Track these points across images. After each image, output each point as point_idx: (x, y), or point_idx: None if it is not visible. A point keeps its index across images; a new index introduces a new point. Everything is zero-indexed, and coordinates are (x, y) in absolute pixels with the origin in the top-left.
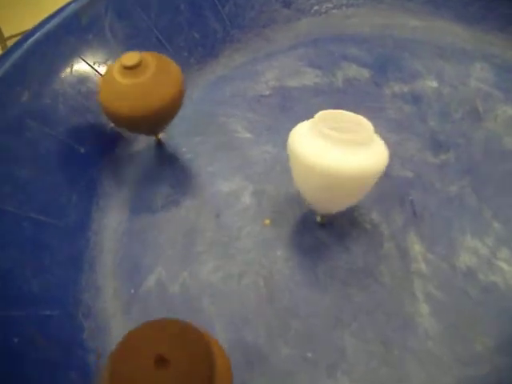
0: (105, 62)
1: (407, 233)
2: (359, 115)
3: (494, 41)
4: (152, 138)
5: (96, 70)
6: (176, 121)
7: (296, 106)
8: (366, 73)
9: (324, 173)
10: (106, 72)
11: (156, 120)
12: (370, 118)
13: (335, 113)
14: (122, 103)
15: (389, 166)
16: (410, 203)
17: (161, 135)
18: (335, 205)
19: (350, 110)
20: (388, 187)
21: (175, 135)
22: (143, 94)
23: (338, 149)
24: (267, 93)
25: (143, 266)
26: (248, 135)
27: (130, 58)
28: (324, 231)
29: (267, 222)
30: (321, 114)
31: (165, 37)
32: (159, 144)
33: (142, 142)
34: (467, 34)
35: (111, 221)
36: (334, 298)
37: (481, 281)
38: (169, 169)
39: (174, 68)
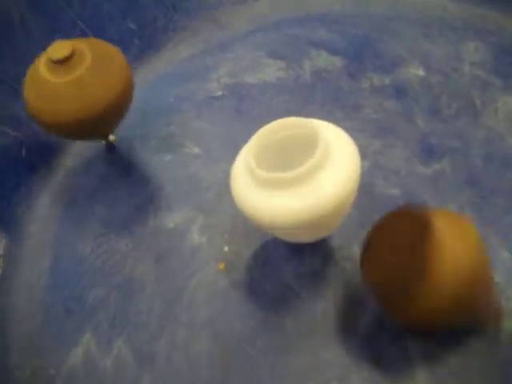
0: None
1: None
2: (316, 121)
3: (489, 14)
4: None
5: None
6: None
7: (255, 109)
8: (338, 62)
9: (264, 226)
10: (32, 68)
11: (101, 124)
12: (344, 120)
13: (281, 124)
14: (53, 107)
15: (370, 183)
16: None
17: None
18: (299, 239)
19: (321, 110)
20: (371, 210)
21: (103, 155)
22: (80, 93)
23: (275, 194)
24: (219, 93)
25: (66, 335)
26: (196, 150)
27: (59, 48)
28: (292, 274)
29: (222, 265)
30: (260, 133)
31: (92, 29)
32: (110, 148)
33: (75, 156)
34: (456, 7)
35: (26, 272)
36: (309, 364)
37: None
38: (100, 196)
39: (116, 54)
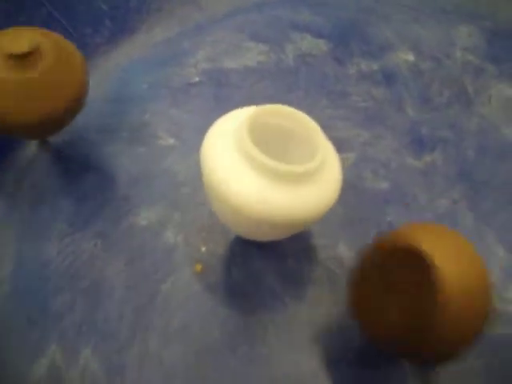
0: None
1: None
2: (306, 116)
3: None
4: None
5: None
6: (77, 123)
7: (235, 96)
8: (323, 45)
9: (250, 217)
10: None
11: (51, 126)
12: (330, 108)
13: (271, 110)
14: (4, 104)
15: (357, 176)
16: (388, 227)
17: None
18: (271, 237)
19: (305, 97)
20: (358, 206)
21: (75, 143)
22: (38, 94)
23: (271, 183)
24: (197, 79)
25: (29, 346)
26: (172, 141)
27: (19, 42)
28: (276, 277)
29: (198, 267)
30: (251, 114)
31: (59, 10)
32: (46, 151)
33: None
34: None
35: None
36: (292, 377)
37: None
38: (66, 193)
39: (76, 56)
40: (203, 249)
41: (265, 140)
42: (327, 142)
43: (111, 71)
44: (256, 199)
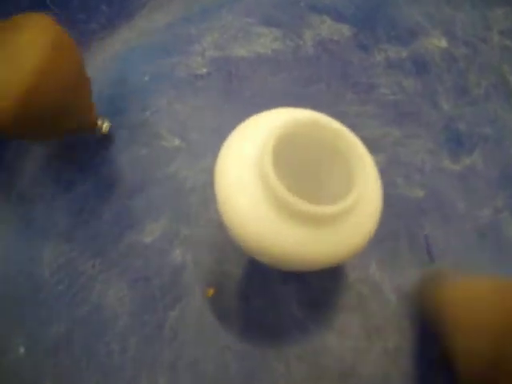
0: None
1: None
2: (345, 129)
3: None
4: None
5: None
6: None
7: (247, 89)
8: (346, 30)
9: (271, 257)
10: None
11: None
12: (356, 103)
13: (303, 123)
14: None
15: (389, 182)
16: (424, 242)
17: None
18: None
19: (327, 91)
20: (391, 218)
21: (68, 146)
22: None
23: (297, 226)
24: (204, 70)
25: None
26: (177, 142)
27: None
28: (299, 303)
29: (211, 291)
30: (276, 134)
31: None
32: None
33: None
34: None
35: None
36: None
37: None
38: (59, 204)
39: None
40: (215, 269)
41: (291, 152)
42: (367, 162)
43: (108, 61)
44: (279, 245)
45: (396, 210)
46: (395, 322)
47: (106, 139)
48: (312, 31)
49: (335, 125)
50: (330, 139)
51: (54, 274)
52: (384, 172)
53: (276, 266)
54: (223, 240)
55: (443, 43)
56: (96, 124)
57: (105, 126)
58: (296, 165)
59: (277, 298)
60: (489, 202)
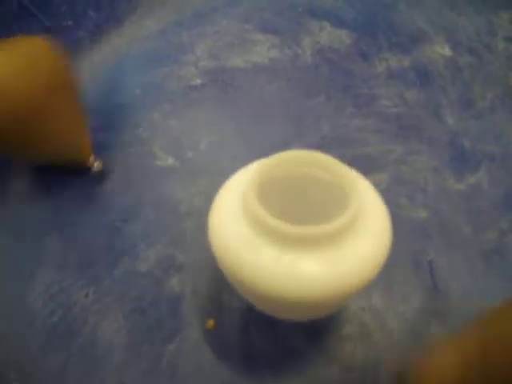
0: None
1: (428, 324)
2: (334, 161)
3: None
4: None
5: None
6: None
7: (243, 101)
8: (346, 37)
9: (261, 294)
10: None
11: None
12: (357, 117)
13: (284, 160)
14: None
15: (392, 202)
16: (428, 267)
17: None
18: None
19: (327, 103)
20: (393, 241)
21: (56, 166)
22: None
23: (286, 252)
24: (198, 81)
25: None
26: (171, 161)
27: None
28: (302, 335)
29: (211, 323)
30: (260, 166)
31: (34, 1)
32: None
33: None
34: None
35: None
36: None
37: None
38: (50, 229)
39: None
40: (215, 299)
41: (283, 191)
42: (366, 187)
43: (97, 72)
44: (277, 280)
45: (400, 233)
46: (398, 351)
47: (100, 176)
48: (311, 38)
49: (320, 158)
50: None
51: (46, 304)
52: (387, 192)
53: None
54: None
55: (447, 51)
56: (88, 158)
57: (96, 164)
58: (289, 206)
59: (278, 329)
60: (494, 225)
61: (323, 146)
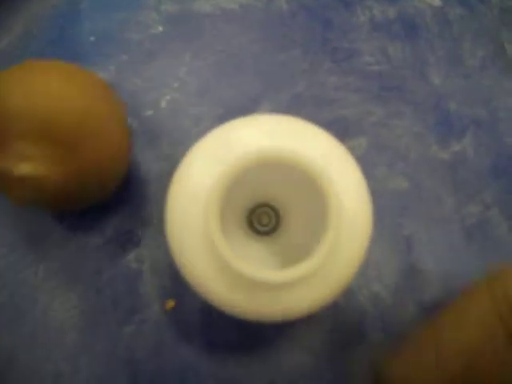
0: None
1: (404, 304)
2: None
3: None
4: None
5: None
6: None
7: (211, 53)
8: None
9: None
10: None
11: None
12: (334, 73)
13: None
14: None
15: (370, 172)
16: (404, 243)
17: None
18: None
19: (303, 57)
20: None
21: None
22: None
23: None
24: (160, 29)
25: None
26: (128, 123)
27: None
28: None
29: (170, 303)
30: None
31: None
32: None
33: None
34: None
35: None
36: None
37: None
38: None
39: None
40: (174, 279)
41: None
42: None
43: (46, 18)
44: (232, 306)
45: (375, 205)
46: (369, 333)
47: None
48: None
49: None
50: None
51: None
52: (365, 158)
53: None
54: None
55: (436, 1)
56: None
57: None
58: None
59: None
60: (477, 197)
61: (296, 105)
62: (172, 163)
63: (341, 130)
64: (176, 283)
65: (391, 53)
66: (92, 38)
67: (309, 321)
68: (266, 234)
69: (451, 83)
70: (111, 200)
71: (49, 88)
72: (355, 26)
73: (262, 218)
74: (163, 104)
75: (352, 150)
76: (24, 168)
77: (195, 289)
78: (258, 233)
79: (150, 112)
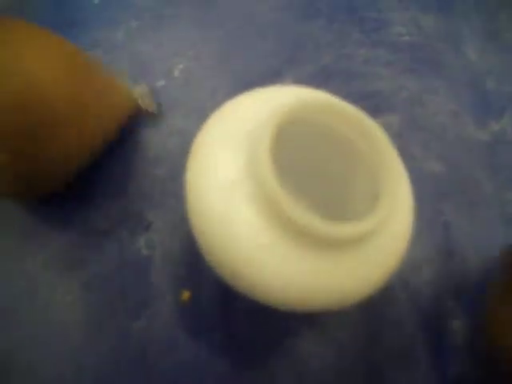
0: None
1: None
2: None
3: None
4: None
5: None
6: None
7: (228, 20)
8: None
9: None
10: None
11: None
12: (363, 45)
13: (312, 108)
14: None
15: (404, 153)
16: (443, 228)
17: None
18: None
19: (328, 27)
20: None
21: None
22: None
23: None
24: None
25: None
26: (138, 92)
27: None
28: None
29: (186, 295)
30: (274, 123)
31: None
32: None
33: None
34: None
35: None
36: None
37: None
38: None
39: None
40: (189, 270)
41: (294, 150)
42: (397, 166)
43: None
44: (284, 277)
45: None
46: (402, 323)
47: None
48: None
49: (355, 113)
50: (348, 133)
51: None
52: (398, 138)
53: (280, 306)
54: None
55: None
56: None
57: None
58: (301, 166)
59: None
60: None
61: (322, 79)
62: (185, 138)
63: (371, 107)
64: (192, 272)
65: (423, 24)
66: (96, 1)
67: (337, 312)
68: None
69: (488, 56)
70: (117, 179)
71: (19, 69)
72: None
73: None
74: (176, 73)
75: (384, 128)
76: None
77: (234, 269)
78: None
79: (161, 82)
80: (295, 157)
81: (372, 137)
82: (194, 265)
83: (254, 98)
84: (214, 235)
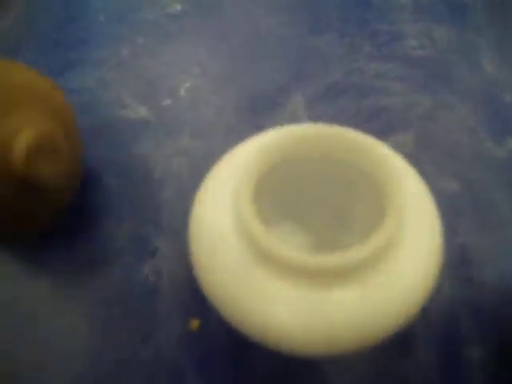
0: None
1: (460, 321)
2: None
3: None
4: None
5: None
6: None
7: (235, 35)
8: None
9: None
10: None
11: None
12: (375, 59)
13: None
14: None
15: (418, 171)
16: (459, 251)
17: None
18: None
19: (339, 40)
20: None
21: None
22: None
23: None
24: (178, 8)
25: None
26: (143, 112)
27: None
28: None
29: (195, 323)
30: (256, 161)
31: None
32: None
33: None
34: None
35: None
36: None
37: None
38: None
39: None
40: (198, 298)
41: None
42: (405, 183)
43: None
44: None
45: None
46: (418, 349)
47: None
48: None
49: (349, 134)
50: (345, 157)
51: None
52: (411, 156)
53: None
54: None
55: None
56: None
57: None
58: (304, 194)
59: None
60: None
61: (332, 95)
62: (192, 158)
63: (383, 124)
64: (199, 298)
65: (436, 36)
66: (102, 18)
67: None
68: None
69: (505, 70)
70: (122, 203)
71: None
72: (396, 7)
73: None
74: (182, 92)
75: (397, 147)
76: None
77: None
78: None
79: (167, 101)
80: (297, 185)
81: (372, 156)
82: (200, 291)
83: (249, 146)
84: (225, 293)
